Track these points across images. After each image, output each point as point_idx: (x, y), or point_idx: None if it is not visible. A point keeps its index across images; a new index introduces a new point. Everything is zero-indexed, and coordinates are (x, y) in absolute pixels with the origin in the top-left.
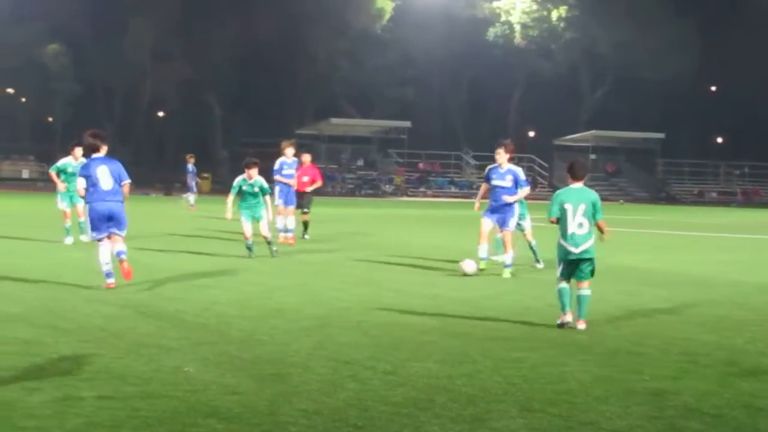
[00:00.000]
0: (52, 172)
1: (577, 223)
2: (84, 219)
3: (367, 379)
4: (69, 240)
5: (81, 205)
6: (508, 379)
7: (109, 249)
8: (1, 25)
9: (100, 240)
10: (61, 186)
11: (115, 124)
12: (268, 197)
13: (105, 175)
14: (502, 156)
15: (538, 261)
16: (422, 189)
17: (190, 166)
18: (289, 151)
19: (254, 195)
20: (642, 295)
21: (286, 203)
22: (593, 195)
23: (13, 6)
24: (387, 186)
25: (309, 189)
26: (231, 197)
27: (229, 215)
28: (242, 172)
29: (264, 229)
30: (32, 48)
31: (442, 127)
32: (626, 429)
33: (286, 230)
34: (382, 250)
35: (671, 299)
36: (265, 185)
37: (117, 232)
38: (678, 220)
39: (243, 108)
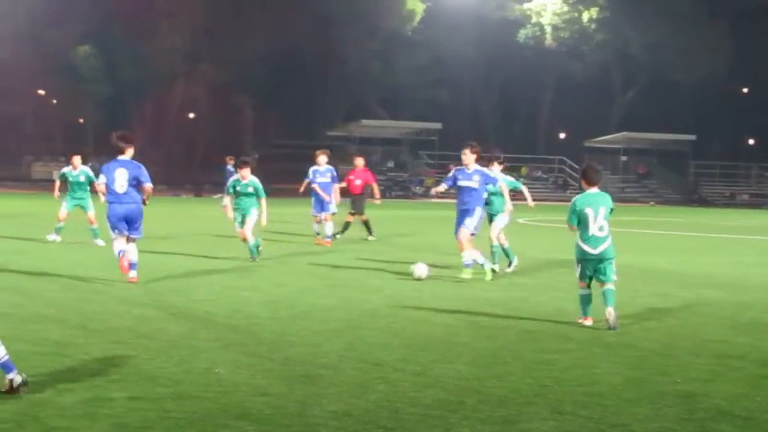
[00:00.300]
0: (57, 181)
1: (598, 226)
2: (96, 225)
3: (397, 380)
4: (53, 237)
5: (93, 213)
6: (538, 381)
7: (122, 244)
8: (33, 27)
9: (116, 238)
10: (55, 192)
11: (145, 125)
12: (263, 200)
13: (122, 177)
14: (468, 157)
15: (509, 264)
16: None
17: (230, 167)
18: (322, 159)
19: (247, 195)
20: (673, 297)
21: (320, 210)
22: (609, 198)
23: (44, 8)
24: (417, 187)
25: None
26: (227, 198)
27: (230, 214)
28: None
29: (246, 230)
30: (63, 50)
31: (472, 129)
32: (657, 431)
33: (322, 235)
34: (411, 251)
35: (702, 301)
36: (260, 186)
37: (132, 234)
38: (709, 222)
39: (274, 110)
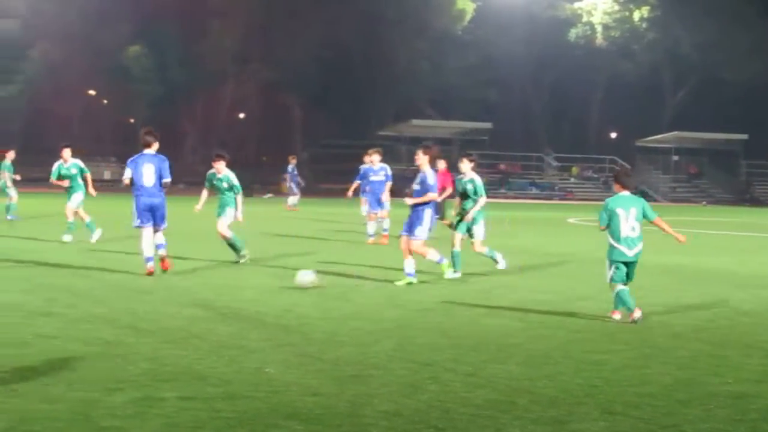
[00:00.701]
0: (53, 179)
1: (630, 226)
2: (72, 220)
3: (448, 380)
4: (68, 238)
5: (73, 206)
6: (589, 382)
7: (150, 237)
8: (85, 27)
9: (142, 228)
10: (64, 183)
11: (196, 125)
12: (239, 196)
13: (149, 171)
14: (420, 158)
15: (496, 262)
16: (502, 190)
17: (291, 167)
18: (376, 157)
19: (222, 191)
20: (724, 298)
21: (375, 207)
22: (641, 200)
23: (96, 8)
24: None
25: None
26: (204, 191)
27: (198, 207)
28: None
29: (221, 226)
30: (114, 50)
31: (523, 129)
32: None
33: (377, 232)
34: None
35: (754, 302)
36: (235, 182)
37: (158, 224)
38: (762, 222)
39: (323, 109)
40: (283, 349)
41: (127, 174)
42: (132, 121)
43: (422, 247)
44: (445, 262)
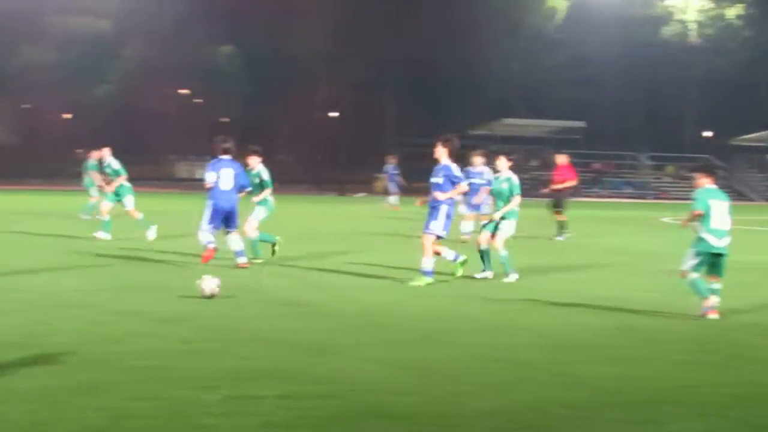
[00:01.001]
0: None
1: (722, 218)
2: (141, 216)
3: (543, 380)
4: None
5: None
6: (686, 382)
7: (212, 234)
8: (178, 27)
9: (210, 231)
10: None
11: (288, 125)
12: (267, 191)
13: (228, 176)
14: (439, 151)
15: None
16: (595, 189)
17: (390, 167)
18: (478, 160)
19: (254, 187)
20: None
21: (474, 209)
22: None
23: (189, 8)
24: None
25: (560, 187)
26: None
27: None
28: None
29: (249, 226)
30: (206, 49)
31: (617, 127)
32: None
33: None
34: (555, 250)
35: None
36: (266, 177)
37: (230, 228)
38: None
39: (416, 108)
40: (377, 348)
41: (213, 178)
42: (225, 120)
43: (432, 244)
44: (461, 259)
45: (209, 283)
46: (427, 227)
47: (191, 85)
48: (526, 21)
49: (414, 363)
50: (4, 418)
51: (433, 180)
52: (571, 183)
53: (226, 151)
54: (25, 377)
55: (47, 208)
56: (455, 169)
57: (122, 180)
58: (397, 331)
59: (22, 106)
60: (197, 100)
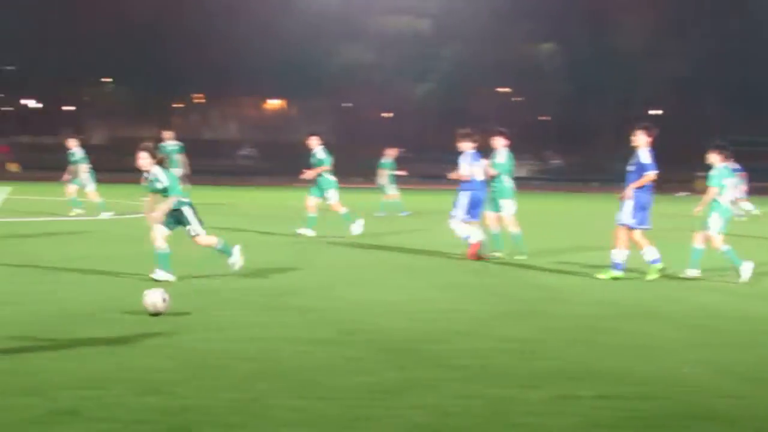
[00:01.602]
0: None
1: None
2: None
3: None
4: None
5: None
6: None
7: (466, 227)
8: (496, 25)
9: (466, 221)
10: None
11: (609, 123)
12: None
13: (480, 168)
14: (638, 138)
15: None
16: None
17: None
18: None
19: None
20: None
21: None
22: None
23: (508, 6)
24: None
25: None
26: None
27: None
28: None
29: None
30: (527, 47)
31: None
32: None
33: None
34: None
35: None
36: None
37: (476, 218)
38: None
39: (739, 105)
40: (700, 350)
41: (467, 170)
42: (544, 119)
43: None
44: (658, 264)
45: (152, 297)
46: (617, 218)
47: (510, 84)
48: None
49: (740, 366)
50: (324, 413)
51: (627, 168)
52: None
53: (474, 144)
54: (343, 374)
55: (367, 206)
56: (645, 157)
57: (323, 170)
58: (720, 333)
59: (342, 104)
60: (517, 99)
